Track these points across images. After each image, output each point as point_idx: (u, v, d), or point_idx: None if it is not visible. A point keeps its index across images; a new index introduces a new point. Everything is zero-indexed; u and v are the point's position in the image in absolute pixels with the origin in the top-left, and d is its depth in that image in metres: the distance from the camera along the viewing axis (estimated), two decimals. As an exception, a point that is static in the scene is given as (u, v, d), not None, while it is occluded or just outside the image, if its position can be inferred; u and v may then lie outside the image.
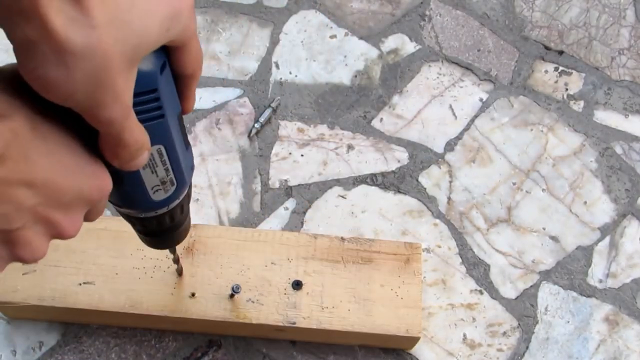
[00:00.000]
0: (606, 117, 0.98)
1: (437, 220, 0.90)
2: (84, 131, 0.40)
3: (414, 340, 0.80)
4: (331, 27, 1.02)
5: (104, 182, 0.42)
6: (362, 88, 0.98)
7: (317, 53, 1.00)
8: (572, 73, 1.01)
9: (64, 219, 0.40)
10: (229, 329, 0.79)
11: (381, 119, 0.96)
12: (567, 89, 1.00)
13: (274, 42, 1.00)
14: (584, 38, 1.03)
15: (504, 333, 0.85)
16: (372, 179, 0.93)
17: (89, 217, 0.44)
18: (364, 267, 0.80)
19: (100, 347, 0.81)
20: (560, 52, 1.02)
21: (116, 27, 0.36)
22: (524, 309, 0.87)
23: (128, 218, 0.53)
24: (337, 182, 0.92)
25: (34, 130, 0.38)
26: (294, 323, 0.76)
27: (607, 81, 1.01)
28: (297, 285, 0.78)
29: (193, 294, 0.76)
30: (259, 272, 0.78)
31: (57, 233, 0.41)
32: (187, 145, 0.50)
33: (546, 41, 1.03)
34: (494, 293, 0.87)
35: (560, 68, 1.01)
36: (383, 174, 0.93)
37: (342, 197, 0.91)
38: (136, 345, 0.81)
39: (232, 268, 0.78)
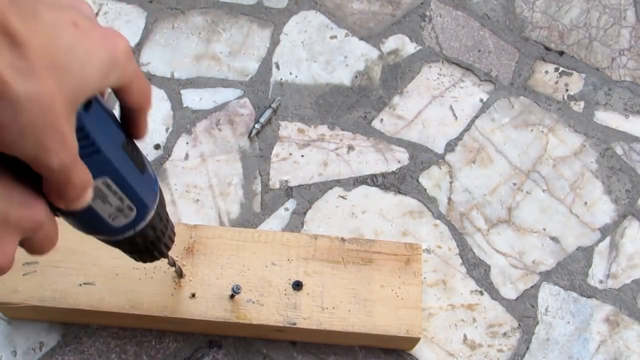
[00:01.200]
0: (607, 117, 0.98)
1: (438, 221, 0.90)
2: (15, 166, 0.40)
3: (414, 341, 0.80)
4: (331, 28, 1.02)
5: (35, 212, 0.41)
6: (363, 89, 0.98)
7: (318, 54, 1.00)
8: (572, 74, 1.01)
9: None
10: (229, 329, 0.79)
11: (381, 120, 0.96)
12: (567, 90, 1.00)
13: (275, 42, 1.00)
14: (584, 39, 1.03)
15: (505, 334, 0.85)
16: (372, 180, 0.93)
17: (32, 247, 0.43)
18: (364, 267, 0.80)
19: (101, 347, 0.81)
20: (561, 53, 1.02)
21: (56, 72, 0.36)
22: (524, 310, 0.87)
23: (106, 242, 0.54)
24: (338, 182, 0.92)
25: None
26: (294, 324, 0.76)
27: (607, 82, 1.01)
28: (297, 285, 0.78)
29: (193, 295, 0.76)
30: (259, 272, 0.78)
31: None
32: (143, 170, 0.49)
33: (546, 42, 1.03)
34: (495, 294, 0.87)
35: (561, 69, 1.01)
36: (383, 175, 0.93)
37: (343, 197, 0.91)
38: (136, 345, 0.81)
39: (233, 269, 0.78)
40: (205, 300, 0.76)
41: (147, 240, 0.55)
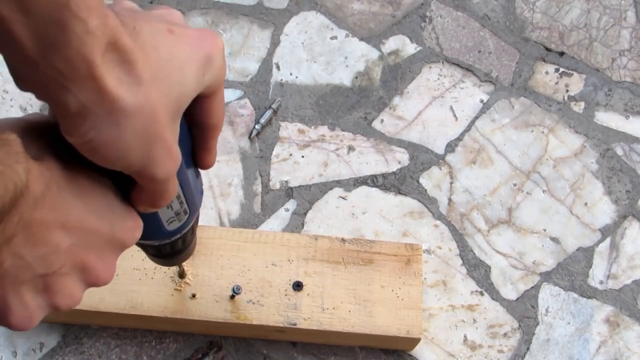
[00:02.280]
0: (607, 118, 0.98)
1: (438, 222, 0.90)
2: (112, 176, 0.40)
3: (414, 342, 0.80)
4: (332, 29, 1.02)
5: (136, 224, 0.42)
6: (363, 89, 0.98)
7: (318, 54, 1.00)
8: (572, 74, 1.01)
9: (98, 262, 0.40)
10: (229, 330, 0.79)
11: (382, 120, 0.96)
12: (567, 90, 1.00)
13: (275, 43, 1.00)
14: (584, 39, 1.03)
15: (505, 334, 0.85)
16: (372, 180, 0.93)
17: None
18: (365, 268, 0.80)
19: (101, 348, 0.81)
20: (561, 54, 1.02)
21: (159, 82, 0.37)
22: (524, 310, 0.87)
23: (142, 246, 0.54)
24: (338, 183, 0.92)
25: (67, 173, 0.38)
26: (295, 324, 0.76)
27: (607, 82, 1.01)
28: (297, 286, 0.78)
29: (194, 295, 0.76)
30: (260, 273, 0.78)
31: (92, 278, 0.41)
32: (198, 174, 0.50)
33: (547, 42, 1.03)
34: (495, 294, 0.87)
35: (561, 69, 1.01)
36: (384, 175, 0.93)
37: (343, 198, 0.91)
38: (137, 346, 0.81)
39: (233, 269, 0.78)
40: (205, 300, 0.76)
41: (185, 243, 0.56)
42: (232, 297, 0.76)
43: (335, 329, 0.77)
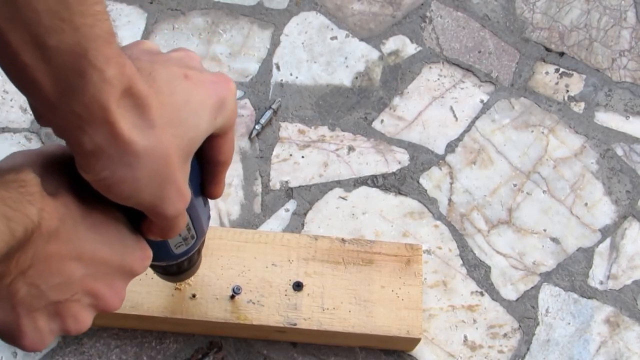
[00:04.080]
0: (607, 118, 0.98)
1: (438, 222, 0.90)
2: (124, 208, 0.42)
3: (414, 342, 0.80)
4: (332, 29, 1.02)
5: (145, 254, 0.44)
6: (363, 89, 0.98)
7: (318, 54, 1.00)
8: (572, 75, 1.01)
9: (109, 290, 0.42)
10: (229, 330, 0.79)
11: (382, 121, 0.96)
12: (567, 91, 1.00)
13: (275, 43, 1.00)
14: (584, 40, 1.03)
15: (505, 335, 0.85)
16: (372, 181, 0.93)
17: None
18: (365, 268, 0.80)
19: (101, 348, 0.81)
20: (561, 54, 1.02)
21: (174, 126, 0.40)
22: (524, 311, 0.87)
23: (150, 266, 0.56)
24: (338, 183, 0.92)
25: (82, 206, 0.40)
26: (295, 324, 0.76)
27: (608, 83, 1.00)
28: (297, 286, 0.78)
29: (194, 295, 0.76)
30: (260, 273, 0.78)
31: (102, 305, 0.43)
32: (206, 201, 0.52)
33: (547, 43, 1.03)
34: (495, 295, 0.87)
35: (561, 70, 1.01)
36: (384, 176, 0.93)
37: (343, 198, 0.91)
38: (137, 347, 0.81)
39: (233, 269, 0.78)
40: (205, 301, 0.76)
41: (191, 263, 0.59)
42: (232, 297, 0.76)
43: (336, 329, 0.77)
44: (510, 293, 0.87)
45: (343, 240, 0.81)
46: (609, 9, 1.05)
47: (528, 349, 0.85)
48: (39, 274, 0.38)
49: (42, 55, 0.35)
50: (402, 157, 0.94)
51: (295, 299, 0.77)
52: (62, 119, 0.37)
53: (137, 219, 0.43)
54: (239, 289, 0.75)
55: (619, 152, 0.96)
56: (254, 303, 0.77)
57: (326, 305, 0.77)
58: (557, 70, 1.01)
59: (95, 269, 0.41)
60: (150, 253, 0.45)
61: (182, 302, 0.76)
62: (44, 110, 0.38)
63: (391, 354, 0.83)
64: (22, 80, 0.37)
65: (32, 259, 0.37)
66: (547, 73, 1.01)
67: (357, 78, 0.99)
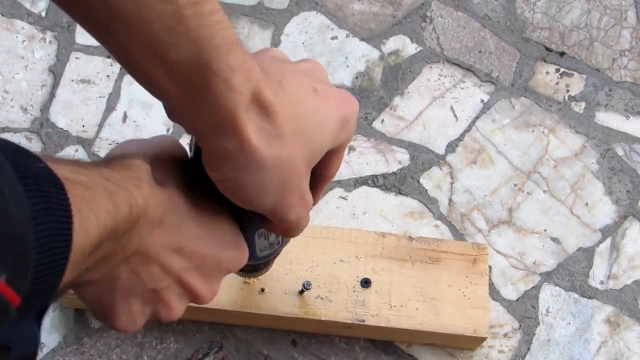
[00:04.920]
0: (607, 118, 0.98)
1: (439, 222, 0.90)
2: (228, 204, 0.42)
3: (479, 341, 0.80)
4: (332, 29, 1.02)
5: (242, 254, 0.45)
6: (363, 89, 0.98)
7: (318, 54, 1.00)
8: (573, 74, 1.01)
9: (202, 285, 0.43)
10: (296, 324, 0.79)
11: (382, 121, 0.96)
12: (568, 91, 1.00)
13: (275, 43, 1.00)
14: (585, 39, 1.03)
15: (505, 334, 0.85)
16: (373, 181, 0.93)
17: None
18: (432, 266, 0.80)
19: (102, 348, 0.81)
20: (562, 54, 1.02)
21: (299, 136, 0.40)
22: (525, 311, 0.87)
23: None
24: (338, 183, 0.92)
25: (188, 200, 0.41)
26: (363, 321, 0.76)
27: (608, 82, 1.00)
28: (365, 283, 0.78)
29: (262, 290, 0.76)
30: (328, 269, 0.78)
31: (195, 298, 0.44)
32: None
33: (547, 43, 1.03)
34: (495, 294, 0.87)
35: (562, 69, 1.01)
36: (384, 176, 0.93)
37: (343, 198, 0.91)
38: (137, 346, 0.81)
39: (301, 264, 0.78)
40: (274, 295, 0.76)
41: (267, 265, 0.60)
42: (302, 292, 0.76)
43: (403, 327, 0.77)
44: (510, 293, 0.87)
45: (410, 238, 0.81)
46: (609, 8, 1.05)
47: (528, 349, 0.85)
48: (140, 261, 0.39)
49: (165, 67, 0.36)
50: (402, 157, 0.94)
51: (363, 295, 0.77)
52: (191, 122, 0.39)
53: (241, 216, 0.44)
54: (309, 285, 0.75)
55: (620, 152, 0.96)
56: (322, 299, 0.77)
57: (394, 303, 0.77)
58: (557, 70, 1.01)
59: (194, 263, 0.41)
60: (246, 253, 0.45)
61: (251, 295, 0.76)
62: (177, 110, 0.39)
63: (391, 354, 0.83)
64: (151, 88, 0.38)
65: (137, 246, 0.38)
66: (547, 73, 1.01)
67: (357, 78, 0.99)
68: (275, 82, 0.40)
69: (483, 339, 0.79)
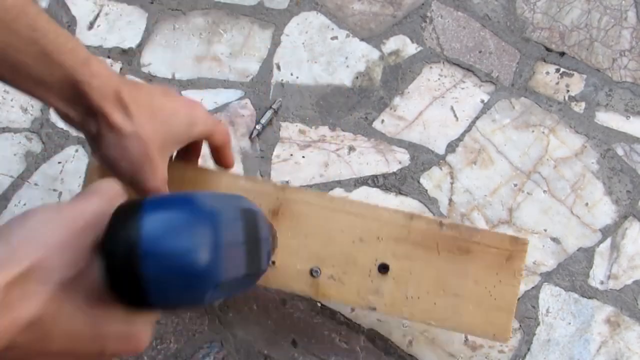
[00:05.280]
0: (607, 118, 0.98)
1: (439, 222, 0.90)
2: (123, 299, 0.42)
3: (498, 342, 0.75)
4: (332, 29, 1.02)
5: (138, 343, 0.45)
6: (364, 89, 0.98)
7: (319, 54, 1.00)
8: (573, 74, 1.01)
9: None
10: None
11: (382, 121, 0.96)
12: (568, 91, 1.00)
13: (275, 43, 1.00)
14: (585, 39, 1.03)
15: (505, 335, 0.85)
16: (373, 181, 0.93)
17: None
18: (460, 258, 0.71)
19: (102, 348, 0.81)
20: (562, 54, 1.02)
21: (152, 121, 0.56)
22: (525, 311, 0.87)
23: None
24: (339, 183, 0.92)
25: (65, 299, 0.40)
26: (375, 309, 0.70)
27: (608, 83, 1.01)
28: (383, 268, 0.71)
29: (273, 262, 0.71)
30: (345, 248, 0.71)
31: None
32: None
33: (547, 43, 1.03)
34: (495, 295, 0.87)
35: (562, 69, 1.01)
36: (384, 176, 0.93)
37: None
38: (137, 346, 0.81)
39: (317, 240, 0.71)
40: (284, 270, 0.71)
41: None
42: (312, 274, 0.72)
43: (416, 320, 0.71)
44: (510, 293, 0.87)
45: (441, 223, 0.72)
46: (609, 8, 1.05)
47: (529, 349, 0.85)
48: None
49: (46, 88, 0.53)
50: (402, 157, 0.94)
51: (379, 282, 0.71)
52: (74, 117, 0.55)
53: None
54: (318, 272, 0.71)
55: (620, 152, 0.96)
56: (334, 279, 0.71)
57: (410, 294, 0.71)
58: (557, 70, 1.01)
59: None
60: (143, 340, 0.45)
61: None
62: (63, 109, 0.55)
63: (391, 354, 0.83)
64: (40, 99, 0.54)
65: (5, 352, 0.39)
66: (547, 73, 1.01)
67: (357, 78, 0.99)
68: (133, 85, 0.56)
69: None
